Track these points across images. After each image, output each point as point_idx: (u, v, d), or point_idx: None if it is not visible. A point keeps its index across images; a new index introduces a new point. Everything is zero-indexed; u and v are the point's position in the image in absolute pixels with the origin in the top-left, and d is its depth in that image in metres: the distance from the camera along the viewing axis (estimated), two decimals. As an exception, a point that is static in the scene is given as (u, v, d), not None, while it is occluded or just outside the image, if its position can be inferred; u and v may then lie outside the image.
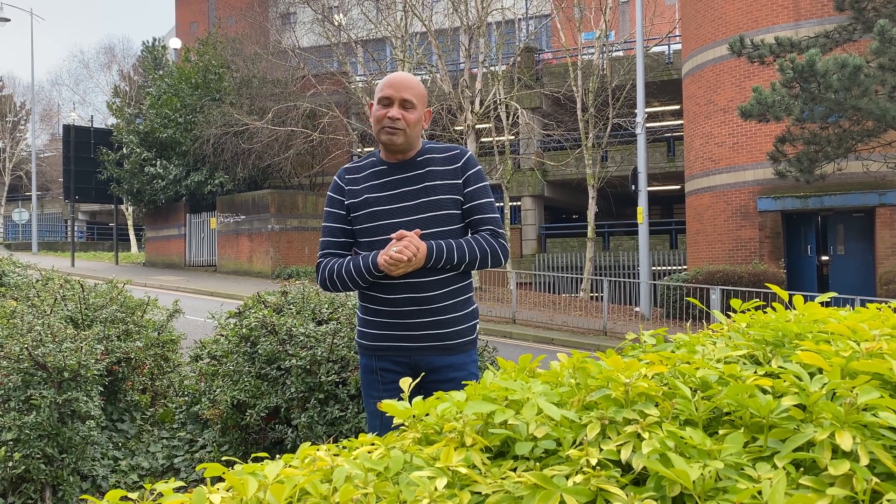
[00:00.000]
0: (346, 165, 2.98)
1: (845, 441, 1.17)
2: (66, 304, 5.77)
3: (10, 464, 4.32)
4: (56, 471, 4.49)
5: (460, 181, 2.84)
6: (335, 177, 2.96)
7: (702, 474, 1.14)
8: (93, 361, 4.65)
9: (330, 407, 4.44)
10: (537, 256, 26.42)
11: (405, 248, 2.63)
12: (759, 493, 1.10)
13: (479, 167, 2.91)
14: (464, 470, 1.23)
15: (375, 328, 2.83)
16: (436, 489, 1.19)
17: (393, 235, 2.69)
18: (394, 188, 2.82)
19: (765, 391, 1.37)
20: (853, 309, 1.97)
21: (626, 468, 1.23)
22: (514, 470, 1.26)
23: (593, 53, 23.01)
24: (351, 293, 5.38)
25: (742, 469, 1.18)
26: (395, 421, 1.49)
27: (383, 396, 2.66)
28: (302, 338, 4.63)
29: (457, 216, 2.84)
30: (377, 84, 2.89)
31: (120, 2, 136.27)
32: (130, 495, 1.31)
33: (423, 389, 2.74)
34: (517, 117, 24.11)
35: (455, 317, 2.82)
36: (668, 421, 1.31)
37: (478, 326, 2.94)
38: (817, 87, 12.15)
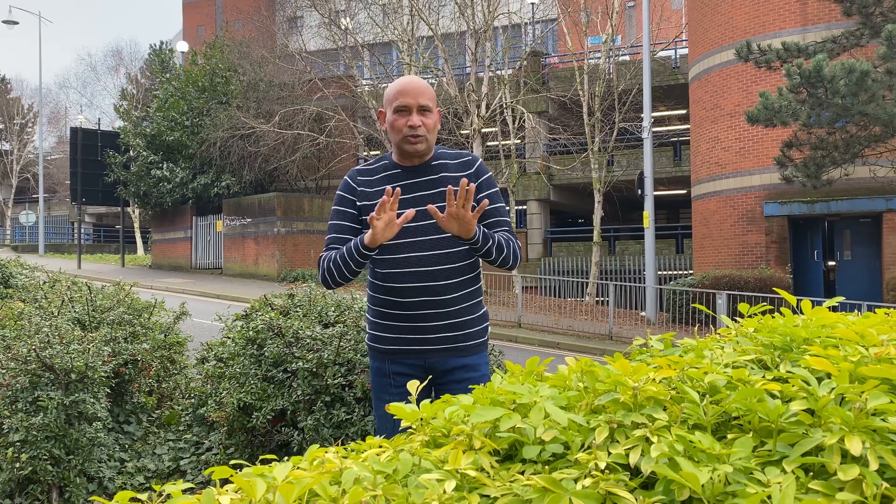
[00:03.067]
0: (358, 167, 2.95)
1: (855, 446, 1.17)
2: (73, 306, 5.79)
3: (18, 465, 4.34)
4: (63, 472, 4.50)
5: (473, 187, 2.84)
6: (346, 177, 2.93)
7: (711, 478, 1.14)
8: (100, 363, 4.66)
9: (336, 410, 4.44)
10: (543, 260, 26.39)
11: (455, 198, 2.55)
12: (769, 497, 1.10)
13: (490, 173, 2.92)
14: (472, 473, 1.24)
15: (389, 331, 2.83)
16: (445, 492, 1.19)
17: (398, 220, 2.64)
18: (408, 192, 2.80)
19: (773, 396, 1.37)
20: (860, 314, 1.97)
21: (635, 472, 1.23)
22: (523, 473, 1.26)
23: (600, 58, 23.00)
24: (358, 296, 5.39)
25: (751, 473, 1.18)
26: (403, 424, 1.50)
27: (395, 399, 2.66)
28: (308, 340, 4.64)
29: None
30: (385, 89, 2.88)
31: (127, 5, 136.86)
32: (139, 496, 1.32)
33: (436, 391, 2.76)
34: (523, 121, 24.13)
35: (468, 319, 2.82)
36: (677, 425, 1.31)
37: (488, 328, 2.95)
38: (824, 92, 12.13)
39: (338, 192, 2.93)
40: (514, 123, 23.81)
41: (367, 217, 2.74)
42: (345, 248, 2.75)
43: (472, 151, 20.68)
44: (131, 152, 27.78)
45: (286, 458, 1.45)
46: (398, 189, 2.60)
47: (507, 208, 22.60)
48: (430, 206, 2.59)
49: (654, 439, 1.25)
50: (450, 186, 2.57)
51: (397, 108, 2.76)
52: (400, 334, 2.80)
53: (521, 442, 1.34)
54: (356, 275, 2.81)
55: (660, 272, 22.23)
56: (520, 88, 23.59)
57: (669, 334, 1.87)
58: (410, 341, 2.79)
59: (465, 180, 2.57)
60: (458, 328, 2.80)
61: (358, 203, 2.86)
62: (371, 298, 2.89)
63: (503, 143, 24.21)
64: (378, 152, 27.35)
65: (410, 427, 1.50)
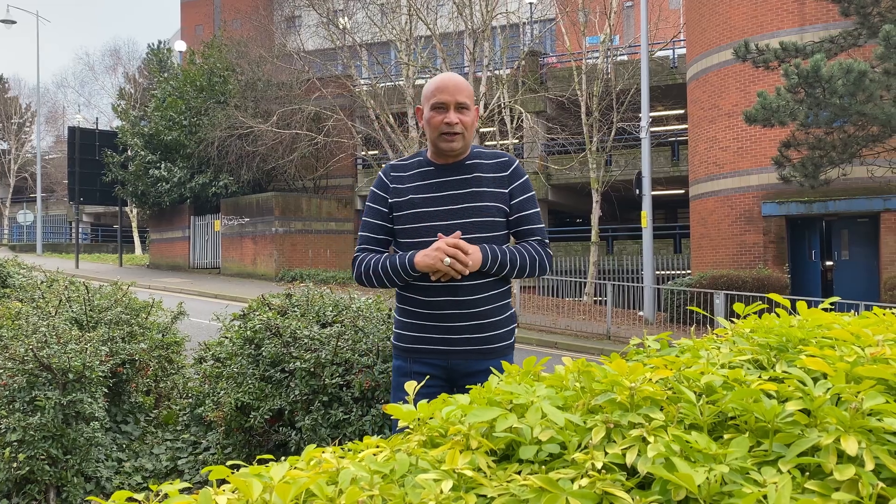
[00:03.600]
0: (392, 163, 2.95)
1: (850, 446, 1.17)
2: (70, 306, 5.79)
3: (15, 465, 4.33)
4: (60, 472, 4.50)
5: (507, 191, 2.82)
6: (380, 173, 2.92)
7: (707, 478, 1.14)
8: (97, 363, 4.66)
9: (334, 409, 4.44)
10: (541, 260, 26.33)
11: (455, 262, 2.64)
12: (765, 497, 1.10)
13: (526, 176, 2.89)
14: (469, 472, 1.24)
15: (413, 330, 2.81)
16: (441, 492, 1.19)
17: (442, 244, 2.68)
18: (440, 190, 2.79)
19: (769, 396, 1.37)
20: (857, 314, 1.97)
21: (632, 472, 1.23)
22: (520, 473, 1.26)
23: (598, 57, 23.00)
24: (356, 295, 5.39)
25: (747, 473, 1.18)
26: (400, 423, 1.50)
27: (416, 399, 2.65)
28: (306, 340, 4.64)
29: (500, 224, 2.81)
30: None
31: (125, 5, 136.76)
32: (136, 496, 1.32)
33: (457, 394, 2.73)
34: (521, 121, 24.12)
35: (495, 321, 2.79)
36: (674, 425, 1.31)
37: (515, 331, 2.92)
38: (822, 92, 12.14)
39: (371, 188, 2.92)
40: (512, 123, 23.80)
41: (398, 213, 2.82)
42: (389, 261, 2.77)
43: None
44: (129, 152, 27.77)
45: (283, 457, 1.45)
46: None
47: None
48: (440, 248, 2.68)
49: (651, 439, 1.25)
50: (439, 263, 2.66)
51: (434, 105, 2.75)
52: (424, 333, 2.79)
53: (518, 442, 1.34)
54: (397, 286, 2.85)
55: (658, 272, 22.23)
56: (518, 88, 23.59)
57: (666, 334, 1.87)
58: (434, 341, 2.77)
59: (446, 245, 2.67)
60: (484, 329, 2.77)
61: (390, 200, 2.85)
62: (398, 296, 2.88)
63: (501, 142, 24.19)
64: (376, 152, 27.35)
65: (408, 427, 1.50)
